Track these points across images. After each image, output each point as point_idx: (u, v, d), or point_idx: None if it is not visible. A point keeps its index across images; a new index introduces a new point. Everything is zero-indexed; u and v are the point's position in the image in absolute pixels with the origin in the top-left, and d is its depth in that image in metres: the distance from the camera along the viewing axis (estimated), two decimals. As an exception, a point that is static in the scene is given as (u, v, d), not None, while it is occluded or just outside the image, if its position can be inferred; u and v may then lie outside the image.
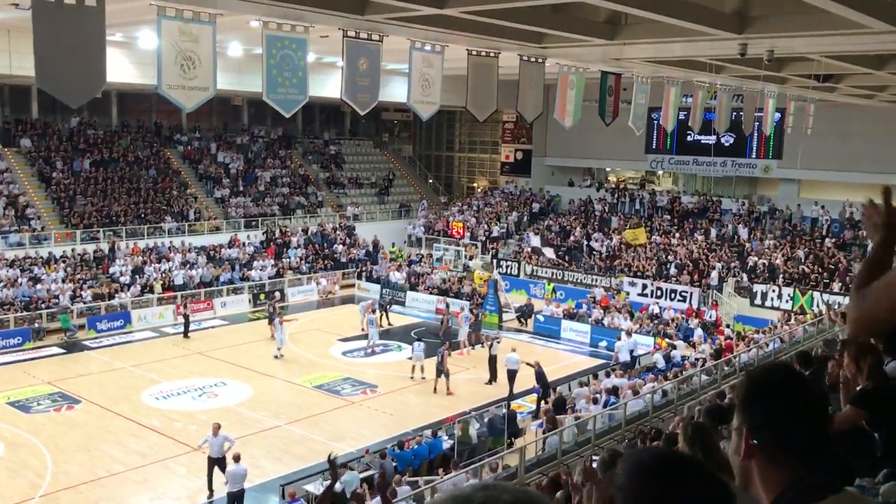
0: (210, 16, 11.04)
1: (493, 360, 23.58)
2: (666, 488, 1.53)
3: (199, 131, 42.15)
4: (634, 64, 18.36)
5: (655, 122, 34.68)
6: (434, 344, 27.04)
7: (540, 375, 20.96)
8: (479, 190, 48.51)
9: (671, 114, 20.59)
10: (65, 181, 34.24)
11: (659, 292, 31.39)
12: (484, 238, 39.41)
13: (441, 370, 22.60)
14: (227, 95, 37.54)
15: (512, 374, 22.22)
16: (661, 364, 22.26)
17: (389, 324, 29.95)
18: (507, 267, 36.43)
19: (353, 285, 36.22)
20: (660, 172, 43.35)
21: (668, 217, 38.15)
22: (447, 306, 30.19)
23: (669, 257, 33.67)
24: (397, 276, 35.12)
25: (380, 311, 29.76)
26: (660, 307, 29.45)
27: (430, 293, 33.37)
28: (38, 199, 33.03)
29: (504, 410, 19.10)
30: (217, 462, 15.91)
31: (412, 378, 23.54)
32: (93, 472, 16.95)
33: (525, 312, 31.00)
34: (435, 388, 22.65)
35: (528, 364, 21.46)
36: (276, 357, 25.50)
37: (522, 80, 16.09)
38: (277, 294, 32.68)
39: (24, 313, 27.22)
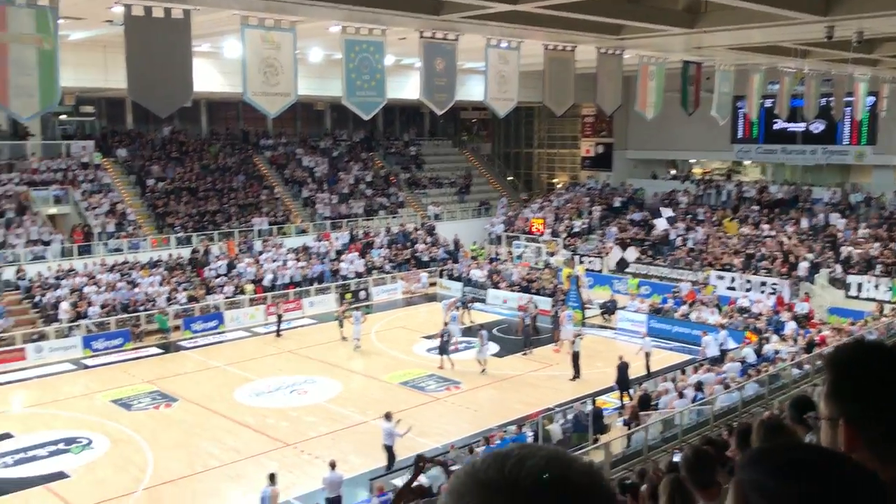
0: (290, 23, 11.39)
1: (576, 357, 23.48)
2: (825, 488, 1.28)
3: (285, 136, 43.28)
4: (716, 52, 17.99)
5: (741, 110, 33.74)
6: (517, 341, 27.15)
7: (622, 370, 20.82)
8: (560, 186, 48.21)
9: (755, 102, 20.07)
10: (159, 188, 35.71)
11: (748, 285, 30.56)
12: (565, 234, 39.16)
13: (446, 349, 24.29)
14: (309, 101, 38.42)
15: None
16: (752, 358, 21.70)
17: (471, 321, 30.11)
18: (588, 262, 36.10)
19: (434, 284, 36.55)
20: (746, 163, 42.17)
21: (757, 208, 37.08)
22: (534, 305, 30.05)
23: (758, 249, 32.73)
24: (478, 274, 35.27)
25: (462, 308, 29.97)
26: (749, 300, 28.68)
27: (512, 290, 33.38)
28: (134, 206, 34.53)
29: (589, 407, 19.00)
30: (388, 448, 16.91)
31: (483, 372, 23.87)
32: (191, 467, 17.66)
33: (609, 308, 30.68)
34: (441, 366, 24.25)
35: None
36: (355, 349, 26.42)
37: (600, 73, 15.98)
38: (345, 302, 33.06)
39: (124, 315, 28.51)
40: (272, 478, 14.85)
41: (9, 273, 28.64)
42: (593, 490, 1.11)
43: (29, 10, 8.85)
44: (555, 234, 39.40)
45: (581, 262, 35.71)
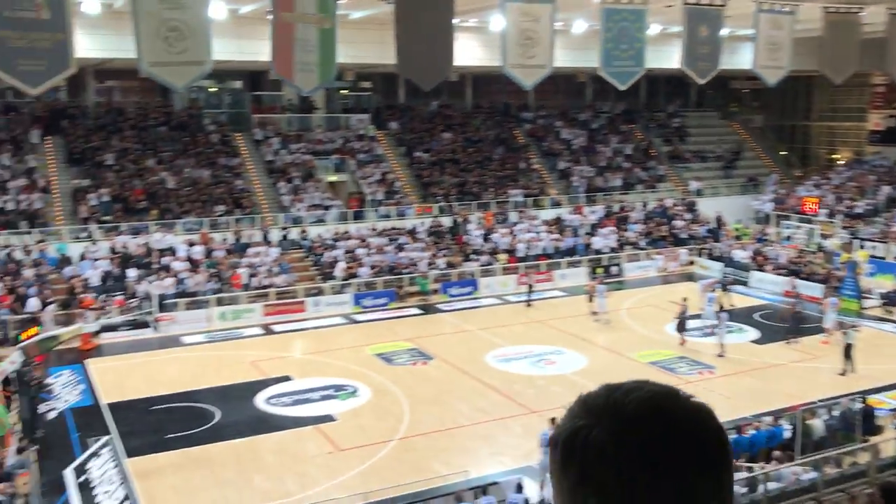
0: (551, -6, 11.48)
1: (848, 349, 21.50)
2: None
3: (545, 109, 43.61)
4: None
5: None
6: (780, 328, 25.39)
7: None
8: (841, 162, 43.96)
9: None
10: (425, 159, 37.70)
11: None
12: (843, 215, 35.74)
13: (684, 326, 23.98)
14: (570, 73, 38.32)
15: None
16: None
17: (732, 305, 28.58)
18: (872, 248, 32.69)
19: (692, 263, 35.12)
20: None
21: None
22: (794, 288, 27.94)
23: None
24: (741, 255, 33.33)
25: (721, 290, 28.57)
26: None
27: (778, 274, 31.17)
28: (402, 175, 36.77)
29: (859, 405, 17.38)
30: None
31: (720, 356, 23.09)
32: (441, 423, 18.67)
33: (892, 299, 27.66)
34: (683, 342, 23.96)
35: None
36: (600, 321, 26.61)
37: (891, 38, 14.32)
38: (598, 277, 32.81)
39: (390, 277, 30.61)
40: (553, 421, 15.34)
41: (293, 234, 31.85)
42: (698, 427, 1.14)
43: (313, -8, 9.75)
44: (832, 214, 36.12)
45: (862, 247, 32.46)
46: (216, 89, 39.65)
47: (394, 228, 33.32)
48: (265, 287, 28.67)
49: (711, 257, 34.45)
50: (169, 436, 17.85)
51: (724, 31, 15.01)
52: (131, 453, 16.53)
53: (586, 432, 1.14)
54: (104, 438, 16.75)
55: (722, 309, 25.06)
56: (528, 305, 29.26)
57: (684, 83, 46.14)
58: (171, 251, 29.14)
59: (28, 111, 33.51)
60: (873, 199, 36.58)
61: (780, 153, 46.83)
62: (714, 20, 12.45)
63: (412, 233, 33.24)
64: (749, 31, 19.43)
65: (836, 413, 17.13)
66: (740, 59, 26.60)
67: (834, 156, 46.13)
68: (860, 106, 43.99)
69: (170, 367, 22.97)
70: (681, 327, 24.28)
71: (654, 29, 25.25)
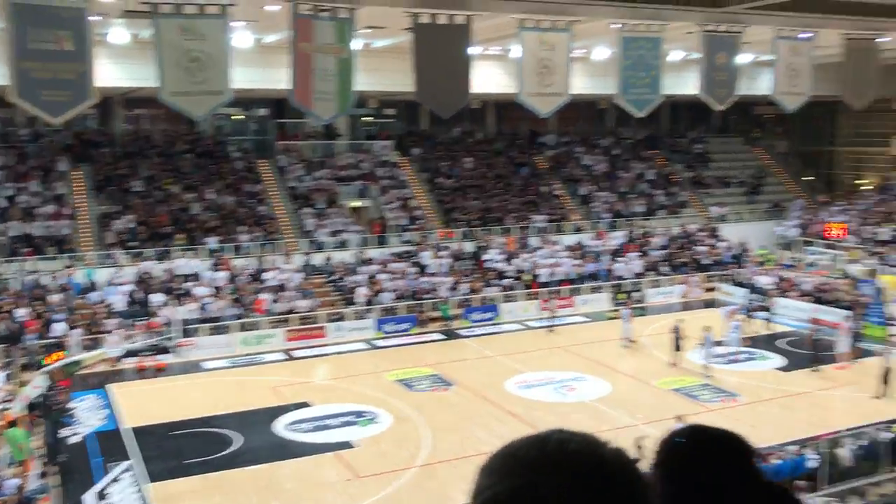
0: (566, 24, 11.56)
1: (887, 374, 21.16)
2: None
3: (567, 135, 43.66)
4: None
5: None
6: (805, 356, 25.06)
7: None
8: (868, 187, 43.51)
9: None
10: (447, 185, 37.86)
11: None
12: (870, 241, 35.32)
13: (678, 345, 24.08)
14: (592, 99, 38.41)
15: None
16: None
17: (755, 332, 28.27)
18: (898, 274, 32.21)
19: (713, 289, 34.81)
20: None
21: None
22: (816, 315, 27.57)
23: None
24: (765, 281, 33.01)
25: (745, 316, 28.30)
26: None
27: (802, 300, 30.80)
28: (424, 201, 36.93)
29: (887, 434, 17.08)
30: None
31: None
32: (463, 450, 18.53)
33: (919, 326, 27.20)
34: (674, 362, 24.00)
35: None
36: (624, 346, 26.57)
37: (913, 62, 14.26)
38: (631, 296, 32.73)
39: (412, 302, 30.64)
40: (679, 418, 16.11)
41: (316, 259, 32.03)
42: (625, 470, 1.16)
43: (331, 22, 9.92)
44: (858, 240, 35.70)
45: (887, 273, 32.00)
46: (242, 117, 40.20)
47: (412, 254, 33.33)
48: (287, 312, 28.83)
49: (735, 283, 34.14)
50: (189, 461, 17.92)
51: (743, 58, 15.01)
52: (152, 478, 16.61)
53: (530, 492, 1.11)
54: (125, 463, 16.87)
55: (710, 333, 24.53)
56: (551, 331, 29.14)
57: (707, 109, 45.69)
58: (195, 276, 29.43)
59: (57, 139, 34.14)
60: (901, 225, 36.14)
61: (805, 178, 46.46)
62: (731, 47, 12.47)
63: (436, 249, 33.30)
64: (769, 57, 19.43)
65: (863, 442, 16.86)
66: (760, 84, 26.56)
67: (859, 181, 45.68)
68: (884, 131, 43.57)
69: (192, 392, 23.10)
70: (677, 349, 24.23)
71: (674, 56, 25.37)
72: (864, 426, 18.22)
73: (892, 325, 27.52)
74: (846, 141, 46.52)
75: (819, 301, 30.05)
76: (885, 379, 21.08)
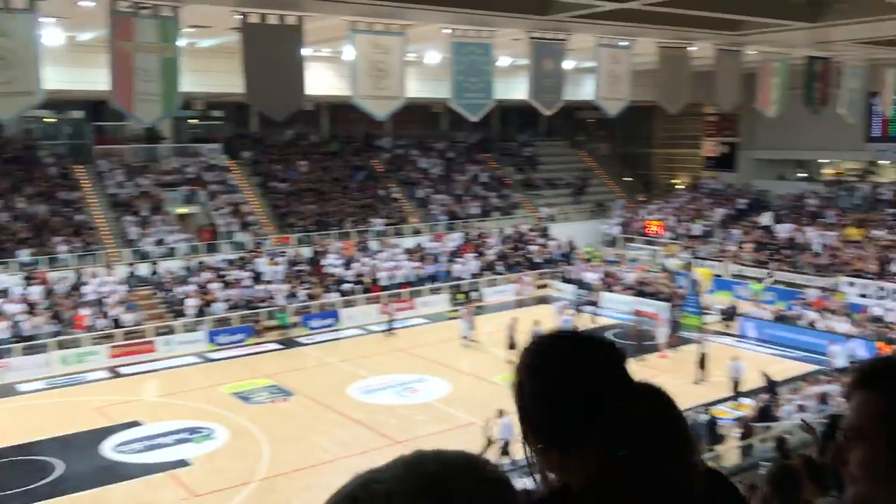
0: (400, 27, 11.56)
1: (702, 359, 22.78)
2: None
3: (402, 139, 43.92)
4: (846, 47, 16.98)
5: (875, 108, 31.73)
6: (631, 347, 26.52)
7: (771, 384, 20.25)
8: (680, 187, 46.79)
9: (889, 98, 18.84)
10: (281, 189, 37.02)
11: (881, 293, 28.73)
12: (684, 237, 38.00)
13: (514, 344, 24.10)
14: (426, 103, 38.81)
15: (735, 383, 21.67)
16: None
17: (584, 325, 29.62)
18: (711, 267, 34.86)
19: (545, 286, 36.20)
20: (883, 163, 39.64)
21: (893, 211, 34.81)
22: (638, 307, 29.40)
23: (893, 254, 30.72)
24: (591, 277, 34.71)
25: (575, 311, 29.60)
26: (883, 309, 26.97)
27: (626, 294, 32.65)
28: (257, 206, 35.92)
29: (705, 416, 18.35)
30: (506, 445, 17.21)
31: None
32: (303, 460, 18.18)
33: (730, 314, 29.55)
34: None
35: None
36: (464, 345, 27.07)
37: (718, 71, 15.40)
38: (469, 296, 33.47)
39: (246, 311, 29.67)
40: (501, 413, 16.79)
41: (141, 269, 30.34)
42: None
43: (153, 20, 9.37)
44: (674, 236, 38.30)
45: (701, 266, 34.55)
46: (54, 120, 37.46)
47: (244, 259, 32.31)
48: (111, 327, 27.10)
49: (565, 280, 35.65)
50: (6, 492, 16.43)
51: (568, 64, 15.62)
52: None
53: None
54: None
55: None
56: (390, 334, 29.15)
57: (535, 113, 47.46)
58: (4, 292, 27.09)
59: None
60: (709, 221, 39.10)
61: (625, 179, 49.29)
62: (557, 54, 12.94)
63: (271, 256, 32.47)
64: (591, 64, 20.40)
65: (683, 426, 18.01)
66: (584, 90, 27.90)
67: (674, 181, 49.04)
68: (695, 134, 47.03)
69: (5, 418, 21.21)
70: (512, 346, 24.91)
71: (503, 61, 25.97)
72: (684, 410, 19.45)
73: (707, 314, 29.69)
74: (661, 143, 49.79)
75: (641, 294, 31.95)
76: (702, 364, 22.67)
